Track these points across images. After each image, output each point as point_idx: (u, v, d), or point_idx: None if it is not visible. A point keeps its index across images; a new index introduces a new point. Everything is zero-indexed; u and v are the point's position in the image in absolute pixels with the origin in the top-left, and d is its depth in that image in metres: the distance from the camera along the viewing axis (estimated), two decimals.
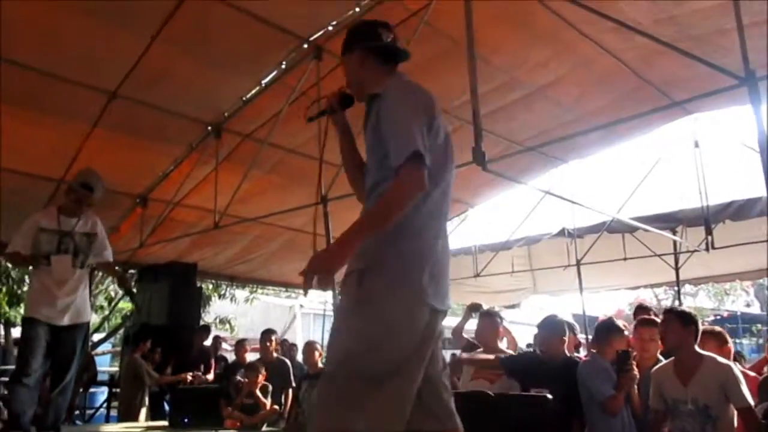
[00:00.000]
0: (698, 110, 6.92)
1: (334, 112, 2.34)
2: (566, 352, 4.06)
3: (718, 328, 4.15)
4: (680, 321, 3.25)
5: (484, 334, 4.50)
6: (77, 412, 8.62)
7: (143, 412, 6.81)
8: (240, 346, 7.37)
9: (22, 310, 14.02)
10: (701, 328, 3.31)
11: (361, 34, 2.29)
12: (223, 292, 13.42)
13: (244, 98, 6.01)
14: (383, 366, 1.86)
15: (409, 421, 1.90)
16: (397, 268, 1.95)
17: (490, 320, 4.51)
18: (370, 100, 2.19)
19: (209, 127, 6.32)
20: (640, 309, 5.26)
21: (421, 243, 2.00)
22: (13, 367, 11.88)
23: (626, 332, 4.00)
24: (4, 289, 12.69)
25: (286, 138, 6.33)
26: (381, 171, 2.05)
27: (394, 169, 1.90)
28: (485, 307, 4.99)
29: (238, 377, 6.46)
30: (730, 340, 4.03)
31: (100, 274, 11.14)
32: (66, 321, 4.24)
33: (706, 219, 6.82)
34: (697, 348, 3.21)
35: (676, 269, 8.19)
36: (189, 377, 6.82)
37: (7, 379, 11.29)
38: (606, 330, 3.94)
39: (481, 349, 4.52)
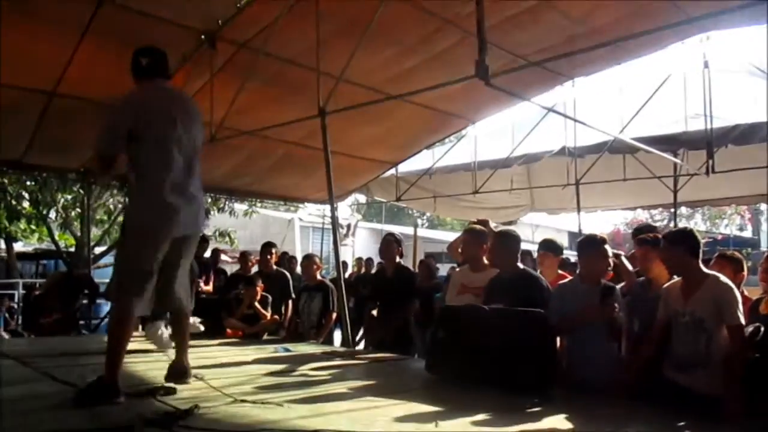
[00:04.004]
0: (713, 28, 6.64)
1: None
2: (519, 264, 3.99)
3: (737, 254, 4.16)
4: (668, 242, 3.38)
5: (468, 250, 4.44)
6: (82, 322, 8.86)
7: None
8: (244, 258, 7.41)
9: (22, 225, 14.17)
10: (702, 244, 3.31)
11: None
12: (222, 205, 13.45)
13: (239, 4, 5.75)
14: None
15: None
16: None
17: (472, 236, 4.40)
18: None
19: (203, 36, 6.08)
20: (638, 231, 4.60)
21: None
22: (16, 280, 12.30)
23: (607, 247, 3.72)
24: (2, 205, 12.70)
25: (283, 47, 6.11)
26: None
27: None
28: (493, 224, 4.84)
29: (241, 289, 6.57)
30: (746, 267, 4.06)
31: (98, 188, 11.36)
32: None
33: (709, 142, 6.70)
34: (702, 267, 3.27)
35: (675, 191, 8.17)
36: None
37: (10, 292, 11.73)
38: (583, 246, 3.81)
39: (467, 266, 4.47)
